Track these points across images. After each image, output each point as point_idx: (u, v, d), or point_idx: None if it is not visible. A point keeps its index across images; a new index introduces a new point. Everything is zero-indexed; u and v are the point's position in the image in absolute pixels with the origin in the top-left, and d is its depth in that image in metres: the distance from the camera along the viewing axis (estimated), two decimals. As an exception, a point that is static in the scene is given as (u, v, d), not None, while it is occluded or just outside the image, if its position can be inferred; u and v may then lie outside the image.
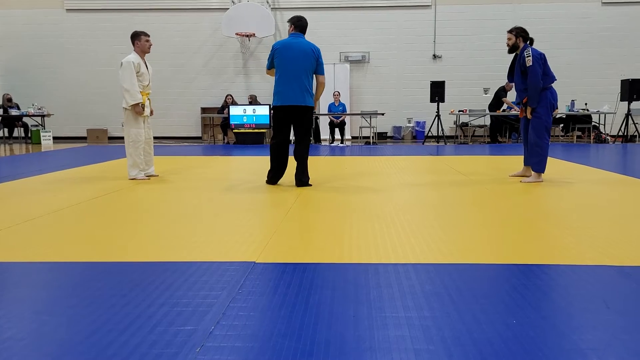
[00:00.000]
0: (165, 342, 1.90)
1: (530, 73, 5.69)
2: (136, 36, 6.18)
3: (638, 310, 2.19)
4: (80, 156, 9.95)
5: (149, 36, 6.25)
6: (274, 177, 5.77)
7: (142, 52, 6.19)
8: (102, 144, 14.47)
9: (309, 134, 5.80)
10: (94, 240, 3.44)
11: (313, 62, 5.56)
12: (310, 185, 5.64)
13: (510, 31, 5.92)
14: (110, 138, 15.31)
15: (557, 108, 5.97)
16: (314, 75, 5.67)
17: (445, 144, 13.10)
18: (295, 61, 5.49)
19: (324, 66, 5.75)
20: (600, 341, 1.90)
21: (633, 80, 12.45)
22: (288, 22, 5.83)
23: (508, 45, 5.91)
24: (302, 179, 5.62)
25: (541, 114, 5.79)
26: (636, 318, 2.11)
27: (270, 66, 5.70)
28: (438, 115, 13.02)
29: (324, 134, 13.84)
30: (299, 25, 5.67)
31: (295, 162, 5.69)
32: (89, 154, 10.56)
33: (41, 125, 14.32)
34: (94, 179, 6.38)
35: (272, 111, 5.85)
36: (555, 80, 5.84)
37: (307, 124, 5.71)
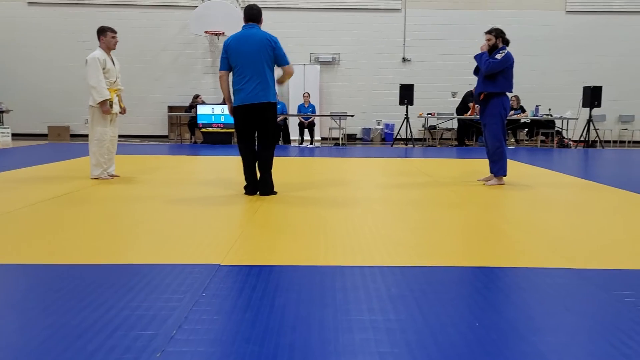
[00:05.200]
0: (125, 347, 1.85)
1: (493, 61, 5.79)
2: (102, 32, 6.04)
3: (596, 313, 2.23)
4: (40, 154, 9.69)
5: (115, 32, 6.12)
6: (251, 189, 5.17)
7: (108, 48, 6.05)
8: (63, 141, 14.12)
9: (274, 137, 5.21)
10: (52, 241, 3.33)
11: (270, 53, 5.01)
12: (276, 193, 5.17)
13: (489, 32, 6.00)
14: (73, 136, 14.93)
15: (508, 115, 6.08)
16: (279, 66, 5.12)
17: (414, 146, 13.23)
18: (251, 55, 4.95)
19: (287, 56, 5.13)
20: (560, 343, 1.93)
21: (594, 87, 12.80)
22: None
23: (489, 46, 5.98)
24: (265, 189, 5.12)
25: (497, 120, 5.93)
26: (594, 320, 2.15)
27: (226, 67, 5.09)
28: (407, 118, 13.14)
29: (294, 134, 13.81)
30: (249, 14, 5.13)
31: (258, 171, 5.16)
32: (49, 152, 10.29)
33: (-1, 121, 13.90)
34: (54, 178, 6.21)
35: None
36: (511, 91, 5.98)
37: (270, 124, 5.11)
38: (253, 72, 4.96)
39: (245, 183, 5.22)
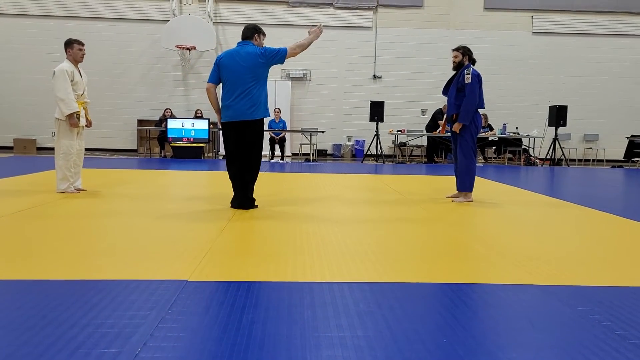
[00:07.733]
0: (87, 366, 1.80)
1: (468, 90, 5.86)
2: (69, 44, 5.97)
3: (560, 328, 2.27)
4: (5, 167, 9.44)
5: (82, 45, 6.05)
6: (239, 203, 5.22)
7: (75, 60, 5.98)
8: (30, 154, 13.81)
9: (259, 155, 5.25)
10: (15, 257, 3.24)
11: (262, 69, 5.12)
12: (256, 206, 5.25)
13: (457, 49, 6.09)
14: (39, 149, 14.62)
15: (479, 132, 6.17)
16: (283, 61, 5.28)
17: (384, 162, 13.34)
18: (240, 71, 5.02)
19: (279, 53, 5.18)
20: (525, 359, 1.95)
21: (560, 106, 13.16)
22: None
23: (455, 62, 6.05)
24: (246, 203, 5.20)
25: (467, 137, 6.00)
26: (559, 336, 2.19)
27: (215, 80, 5.18)
28: (377, 135, 13.26)
29: (264, 150, 13.77)
30: (244, 33, 5.25)
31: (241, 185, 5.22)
32: (14, 165, 10.04)
33: (-37, 133, 13.52)
34: (19, 192, 6.05)
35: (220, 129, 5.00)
36: (484, 107, 6.07)
37: (257, 143, 5.17)
38: (241, 90, 5.02)
39: (233, 196, 5.25)
